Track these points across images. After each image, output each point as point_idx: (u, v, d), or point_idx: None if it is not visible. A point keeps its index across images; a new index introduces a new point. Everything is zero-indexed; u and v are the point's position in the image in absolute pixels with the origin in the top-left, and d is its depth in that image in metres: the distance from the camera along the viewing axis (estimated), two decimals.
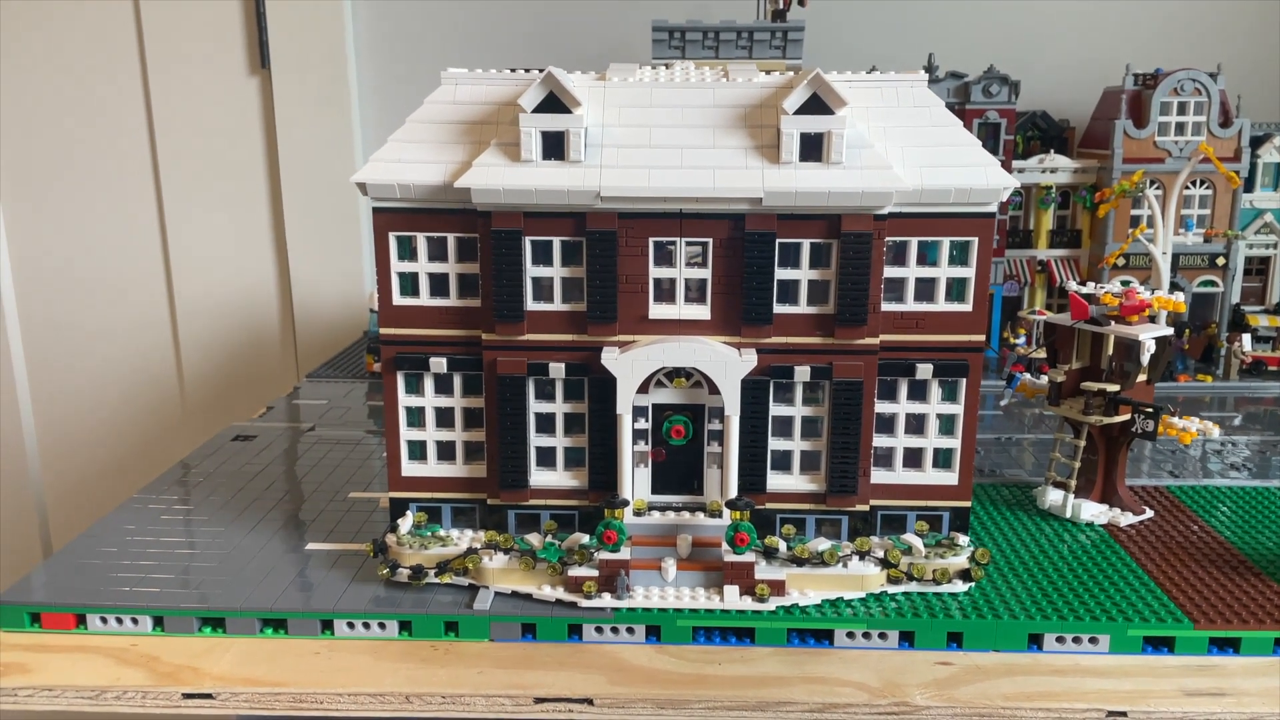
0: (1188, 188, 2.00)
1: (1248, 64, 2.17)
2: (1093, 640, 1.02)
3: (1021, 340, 2.00)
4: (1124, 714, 0.95)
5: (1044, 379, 1.30)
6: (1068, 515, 1.26)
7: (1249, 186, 2.06)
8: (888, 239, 1.06)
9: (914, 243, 1.06)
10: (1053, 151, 2.08)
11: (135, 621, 1.07)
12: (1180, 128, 1.99)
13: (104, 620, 1.07)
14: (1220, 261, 2.02)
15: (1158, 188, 1.96)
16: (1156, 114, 1.97)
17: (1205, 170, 1.95)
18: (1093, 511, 1.25)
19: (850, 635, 1.04)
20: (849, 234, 1.04)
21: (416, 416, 1.14)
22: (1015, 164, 2.04)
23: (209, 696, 0.98)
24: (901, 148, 1.05)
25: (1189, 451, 1.53)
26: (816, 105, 1.02)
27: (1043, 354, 1.33)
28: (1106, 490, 1.27)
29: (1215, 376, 1.90)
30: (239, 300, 2.45)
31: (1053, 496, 1.28)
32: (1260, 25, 2.27)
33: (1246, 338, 1.91)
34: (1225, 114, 1.99)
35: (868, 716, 0.96)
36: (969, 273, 1.07)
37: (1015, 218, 2.10)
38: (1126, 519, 1.25)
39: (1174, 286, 2.00)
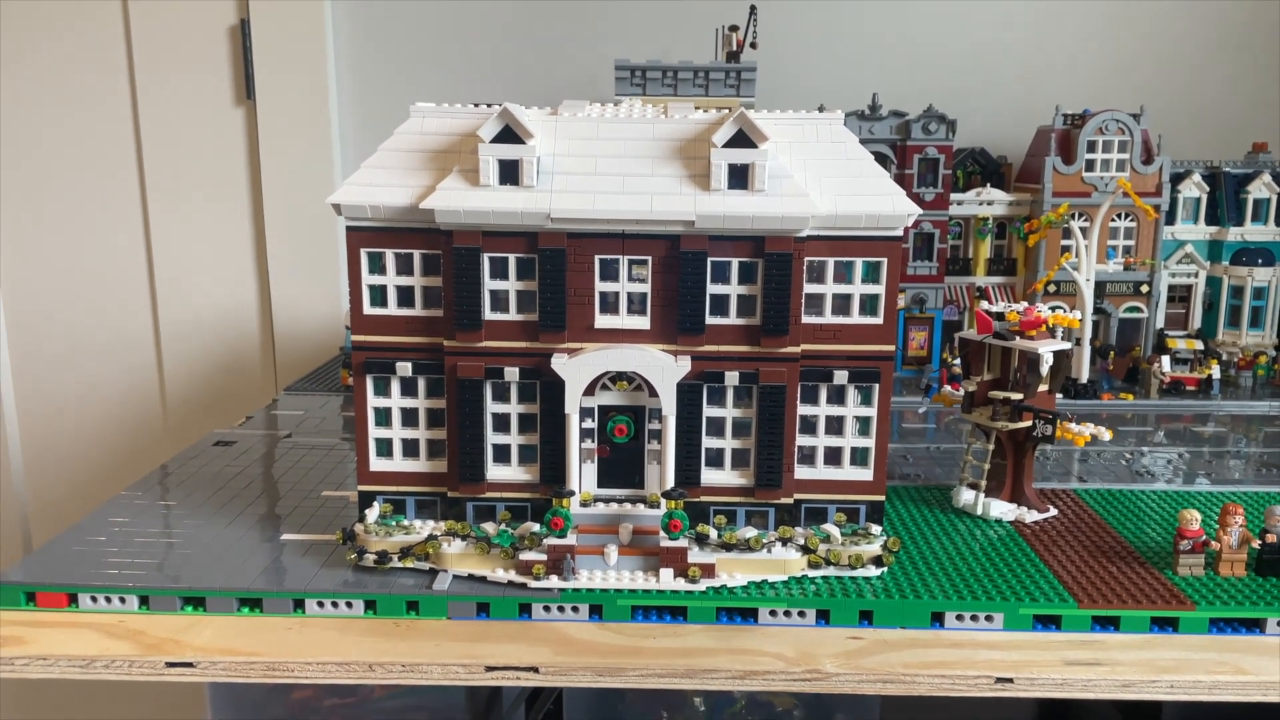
0: (1113, 220, 2.15)
1: (1169, 106, 2.33)
2: (988, 618, 1.14)
3: (959, 361, 2.14)
4: (1010, 680, 1.06)
5: (962, 390, 1.43)
6: (978, 512, 1.38)
7: (1170, 219, 2.21)
8: (807, 259, 1.18)
9: (831, 262, 1.19)
10: (989, 185, 2.23)
11: (123, 600, 1.17)
12: (1105, 164, 2.14)
13: (94, 599, 1.17)
14: (1144, 289, 2.17)
15: (1085, 219, 2.11)
16: (1083, 151, 2.13)
17: (1127, 204, 2.10)
18: (1001, 509, 1.38)
19: (773, 613, 1.15)
20: (772, 254, 1.17)
21: (384, 416, 1.25)
22: (954, 196, 2.19)
23: (190, 665, 1.08)
24: (819, 178, 1.18)
25: (1106, 462, 1.66)
26: (742, 140, 1.15)
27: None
28: (1015, 490, 1.40)
29: (1137, 395, 2.03)
30: (221, 320, 2.55)
31: (965, 496, 1.40)
32: (1181, 70, 2.44)
33: (1165, 359, 2.05)
34: (1147, 152, 2.15)
35: (784, 682, 1.07)
36: (880, 289, 1.20)
37: (955, 247, 2.24)
38: (1032, 516, 1.37)
39: (1100, 312, 2.15)
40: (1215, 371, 2.04)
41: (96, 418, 2.61)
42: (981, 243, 2.23)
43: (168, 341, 2.55)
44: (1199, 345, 2.08)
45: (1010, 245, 2.25)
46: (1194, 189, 2.20)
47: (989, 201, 2.21)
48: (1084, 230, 2.03)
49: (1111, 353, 2.11)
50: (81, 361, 2.58)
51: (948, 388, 1.49)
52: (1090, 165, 2.13)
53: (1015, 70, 2.45)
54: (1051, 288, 2.14)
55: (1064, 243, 2.14)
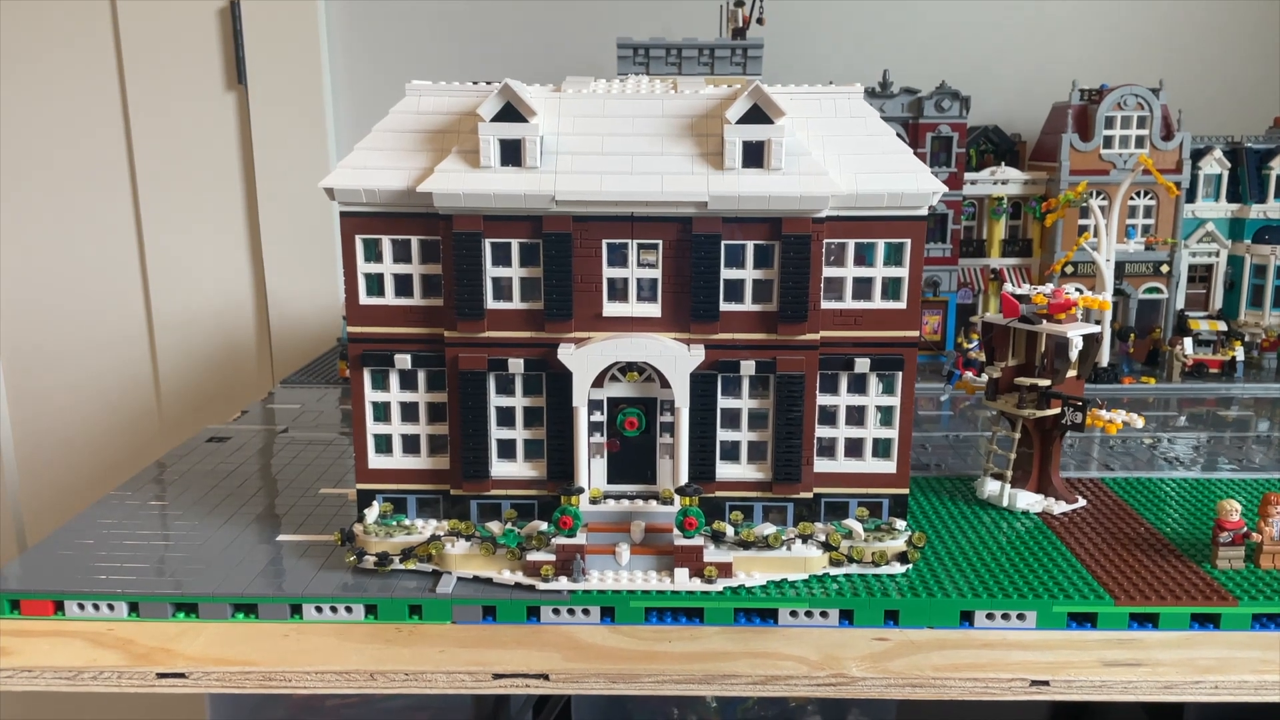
0: (1132, 198, 2.09)
1: (1189, 80, 2.26)
2: (1020, 616, 1.09)
3: (975, 344, 2.08)
4: (1046, 683, 1.01)
5: (984, 376, 1.37)
6: (1004, 504, 1.33)
7: (1191, 197, 2.15)
8: (826, 240, 1.12)
9: (851, 244, 1.13)
10: (1004, 164, 2.17)
11: (111, 607, 1.11)
12: (1124, 141, 2.07)
13: (81, 606, 1.11)
14: (1164, 269, 2.11)
15: (1103, 198, 2.04)
16: (1101, 128, 2.06)
17: (1147, 181, 2.03)
18: (1028, 500, 1.32)
19: (793, 614, 1.10)
20: (789, 236, 1.11)
21: (382, 411, 1.20)
22: (968, 176, 2.12)
23: (182, 676, 1.03)
24: (838, 155, 1.12)
25: (1129, 448, 1.60)
26: (757, 115, 1.09)
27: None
28: (1041, 481, 1.34)
29: (1159, 379, 1.98)
30: (215, 312, 2.49)
31: (990, 487, 1.35)
32: (1201, 43, 2.37)
33: (1188, 341, 1.99)
34: (1167, 127, 2.08)
35: (807, 687, 1.02)
36: (903, 272, 1.14)
37: (969, 228, 2.18)
38: (1060, 507, 1.32)
39: (1119, 293, 2.09)
40: (1239, 353, 1.98)
41: (90, 413, 2.55)
42: (996, 223, 2.17)
43: (161, 334, 2.50)
44: (1222, 326, 2.02)
45: (1025, 225, 2.19)
46: (1215, 166, 2.14)
47: (1004, 181, 2.15)
48: (1103, 209, 1.97)
49: (1132, 335, 2.06)
50: (74, 355, 2.52)
51: (968, 374, 1.43)
52: (1108, 142, 2.07)
53: (1029, 45, 2.38)
54: (1069, 268, 2.08)
55: (1081, 222, 2.08)
